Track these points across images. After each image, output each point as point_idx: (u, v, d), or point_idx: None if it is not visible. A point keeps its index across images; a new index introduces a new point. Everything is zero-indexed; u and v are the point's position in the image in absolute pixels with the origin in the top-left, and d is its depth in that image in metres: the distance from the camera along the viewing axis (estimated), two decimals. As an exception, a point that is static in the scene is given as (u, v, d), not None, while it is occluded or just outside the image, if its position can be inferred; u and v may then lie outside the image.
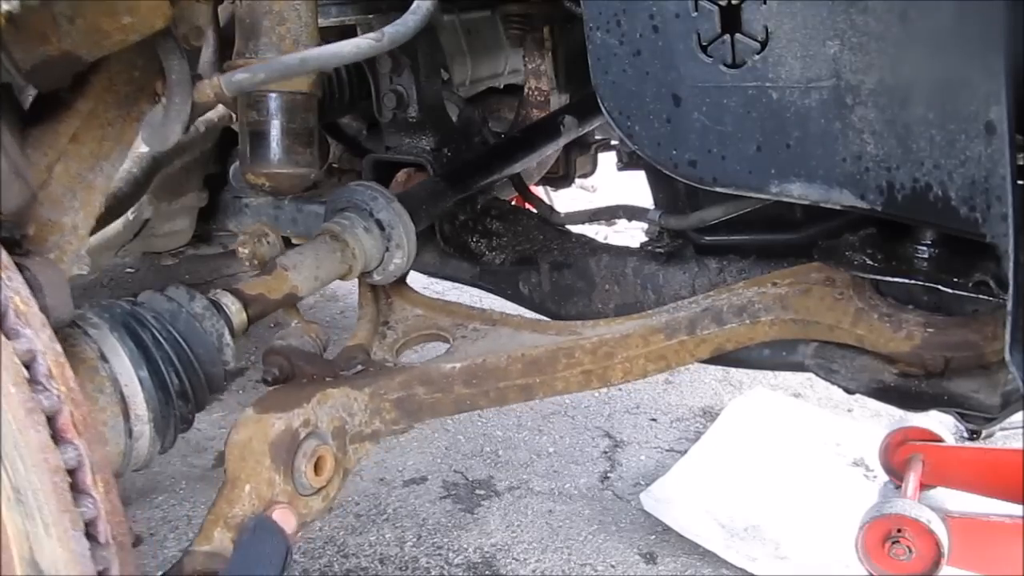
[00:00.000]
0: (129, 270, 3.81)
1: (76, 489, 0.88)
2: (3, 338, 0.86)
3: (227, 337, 1.21)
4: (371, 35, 1.21)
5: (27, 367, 0.87)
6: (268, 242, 1.38)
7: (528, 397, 1.42)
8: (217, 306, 1.23)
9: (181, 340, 1.14)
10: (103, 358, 1.05)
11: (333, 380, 1.35)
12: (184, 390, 1.13)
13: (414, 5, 1.21)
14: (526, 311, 1.75)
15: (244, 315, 1.27)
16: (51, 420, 0.87)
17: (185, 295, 1.19)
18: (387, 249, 1.49)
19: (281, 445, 1.20)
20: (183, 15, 1.18)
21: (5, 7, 0.88)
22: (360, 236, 1.45)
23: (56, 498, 0.85)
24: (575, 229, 1.89)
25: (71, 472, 0.87)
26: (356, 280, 1.51)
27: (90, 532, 0.88)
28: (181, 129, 1.22)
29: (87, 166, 1.18)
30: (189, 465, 2.61)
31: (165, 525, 2.37)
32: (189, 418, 1.16)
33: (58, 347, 0.90)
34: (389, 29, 1.21)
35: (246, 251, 1.38)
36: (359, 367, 1.40)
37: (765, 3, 0.96)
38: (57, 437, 0.87)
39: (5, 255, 0.91)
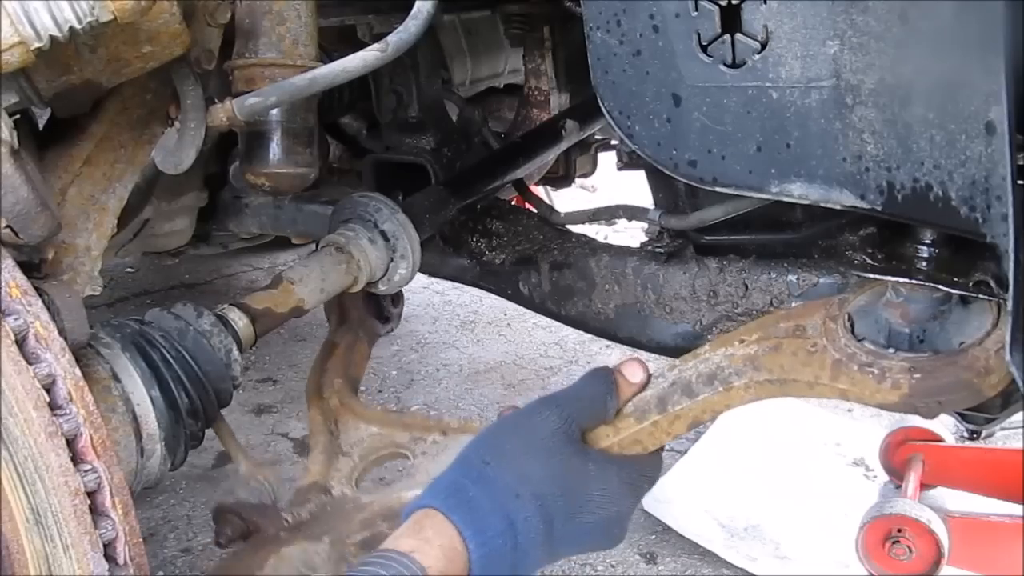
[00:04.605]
0: (129, 270, 3.81)
1: (95, 511, 0.89)
2: (24, 363, 0.87)
3: (235, 353, 1.21)
4: (376, 46, 1.19)
5: (47, 391, 0.88)
6: None
7: None
8: (224, 322, 1.23)
9: (190, 358, 1.14)
10: (115, 378, 1.06)
11: (287, 535, 1.28)
12: (194, 408, 1.14)
13: (414, 9, 1.19)
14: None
15: (251, 330, 1.28)
16: (71, 443, 0.88)
17: (192, 312, 1.20)
18: (392, 260, 1.48)
19: None
20: (195, 39, 1.18)
21: (35, 44, 0.89)
22: (365, 247, 1.45)
23: (76, 520, 0.86)
24: (575, 229, 1.89)
25: (90, 494, 0.89)
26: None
27: (109, 553, 0.89)
28: (195, 153, 1.23)
29: (100, 188, 1.19)
30: (189, 465, 2.57)
31: (165, 525, 2.37)
32: (199, 435, 1.17)
33: (77, 371, 0.91)
34: (392, 38, 1.19)
35: None
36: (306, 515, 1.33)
37: (765, 3, 0.96)
38: (77, 459, 0.88)
39: (24, 280, 0.91)
